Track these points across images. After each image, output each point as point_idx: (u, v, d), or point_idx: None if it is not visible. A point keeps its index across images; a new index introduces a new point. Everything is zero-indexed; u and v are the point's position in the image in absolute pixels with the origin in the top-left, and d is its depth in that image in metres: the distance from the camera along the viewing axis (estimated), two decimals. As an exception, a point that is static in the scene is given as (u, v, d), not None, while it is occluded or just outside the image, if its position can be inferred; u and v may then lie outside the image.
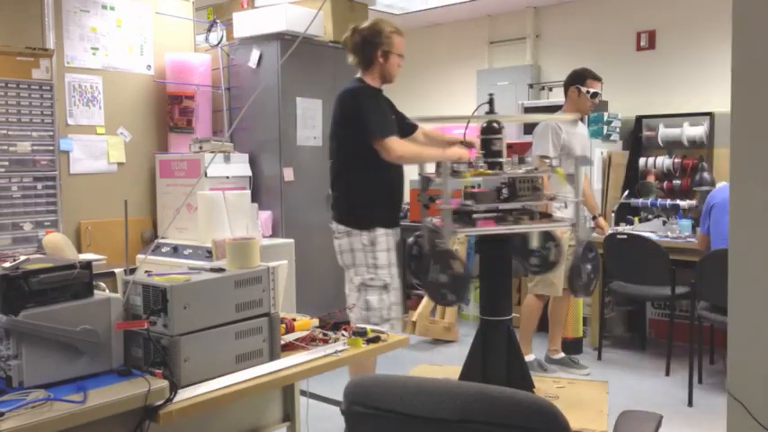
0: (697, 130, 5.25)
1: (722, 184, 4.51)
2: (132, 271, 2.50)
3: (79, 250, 4.20)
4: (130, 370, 1.82)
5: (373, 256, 3.33)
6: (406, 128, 3.56)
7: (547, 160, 3.13)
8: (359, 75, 3.43)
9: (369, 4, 5.11)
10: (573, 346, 5.01)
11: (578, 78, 4.36)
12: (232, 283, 1.99)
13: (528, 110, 5.76)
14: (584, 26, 6.18)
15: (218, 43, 4.79)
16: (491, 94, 3.40)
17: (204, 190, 4.30)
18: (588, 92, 4.32)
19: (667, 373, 4.45)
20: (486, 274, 3.48)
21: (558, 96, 6.10)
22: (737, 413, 1.64)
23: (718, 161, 5.18)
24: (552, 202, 3.55)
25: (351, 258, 3.34)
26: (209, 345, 1.91)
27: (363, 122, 3.25)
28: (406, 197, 6.52)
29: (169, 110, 4.75)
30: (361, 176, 3.33)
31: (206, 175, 4.32)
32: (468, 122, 3.37)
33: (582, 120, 4.66)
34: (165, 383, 1.75)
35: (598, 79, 4.41)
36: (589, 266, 3.26)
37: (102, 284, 1.96)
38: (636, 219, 5.29)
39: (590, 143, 4.62)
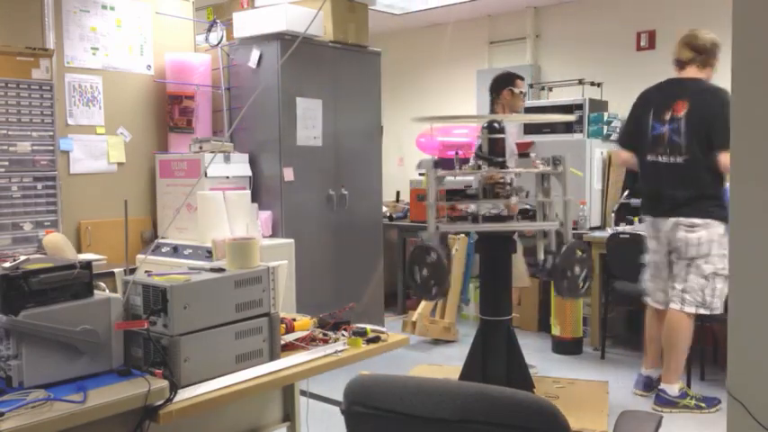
0: (697, 130, 5.24)
1: None
2: (132, 271, 2.50)
3: (79, 250, 4.20)
4: (130, 370, 1.82)
5: (725, 246, 3.63)
6: None
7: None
8: (693, 74, 3.84)
9: (369, 4, 5.11)
10: (572, 346, 5.01)
11: (509, 81, 4.52)
12: (232, 283, 1.99)
13: (528, 110, 5.76)
14: (584, 26, 6.18)
15: (218, 43, 4.78)
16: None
17: (204, 190, 4.30)
18: (521, 92, 4.49)
19: (668, 373, 4.44)
20: (487, 274, 3.49)
21: (558, 96, 6.11)
22: (737, 413, 1.64)
23: (718, 161, 5.17)
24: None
25: (708, 248, 3.73)
26: (209, 345, 1.91)
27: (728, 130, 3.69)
28: (406, 197, 6.55)
29: (169, 110, 4.75)
30: (715, 176, 3.74)
31: (206, 175, 4.32)
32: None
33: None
34: (165, 383, 1.75)
35: (523, 78, 4.60)
36: (577, 268, 3.24)
37: (102, 284, 1.96)
38: (635, 219, 5.28)
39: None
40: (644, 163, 3.96)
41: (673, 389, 3.86)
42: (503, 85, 4.50)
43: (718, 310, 3.76)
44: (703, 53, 3.86)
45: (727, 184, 4.12)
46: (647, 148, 3.92)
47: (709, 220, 3.71)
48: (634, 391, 4.14)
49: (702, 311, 3.78)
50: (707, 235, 3.72)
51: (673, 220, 3.80)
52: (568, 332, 5.01)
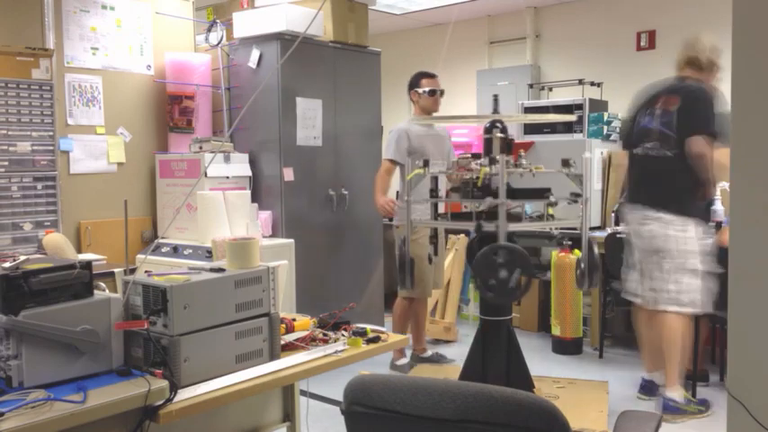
0: (697, 130, 5.24)
1: None
2: (132, 271, 2.50)
3: (79, 250, 4.20)
4: (130, 370, 1.82)
5: (684, 242, 3.73)
6: None
7: (524, 161, 3.24)
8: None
9: (369, 4, 5.11)
10: (572, 346, 5.01)
11: (414, 83, 4.64)
12: (232, 283, 1.99)
13: (528, 110, 5.77)
14: (584, 26, 6.18)
15: (218, 43, 4.78)
16: (495, 96, 3.45)
17: (204, 190, 4.30)
18: (425, 91, 4.55)
19: (668, 373, 4.44)
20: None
21: (558, 96, 6.11)
22: (737, 413, 1.64)
23: (719, 161, 5.17)
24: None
25: (691, 246, 3.70)
26: (209, 345, 1.91)
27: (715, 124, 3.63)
28: (406, 197, 6.55)
29: (169, 110, 4.75)
30: (692, 175, 3.70)
31: (206, 175, 4.32)
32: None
33: None
34: (165, 383, 1.75)
35: (432, 76, 4.63)
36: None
37: (102, 284, 1.97)
38: (636, 219, 5.28)
39: (449, 140, 4.84)
40: (631, 156, 4.00)
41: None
42: (410, 87, 4.65)
43: (709, 308, 3.72)
44: (703, 71, 3.88)
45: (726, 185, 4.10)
46: (634, 140, 3.95)
47: (685, 218, 3.70)
48: (638, 395, 4.08)
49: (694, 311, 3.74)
50: (685, 232, 3.69)
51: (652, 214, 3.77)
52: (568, 332, 5.01)
